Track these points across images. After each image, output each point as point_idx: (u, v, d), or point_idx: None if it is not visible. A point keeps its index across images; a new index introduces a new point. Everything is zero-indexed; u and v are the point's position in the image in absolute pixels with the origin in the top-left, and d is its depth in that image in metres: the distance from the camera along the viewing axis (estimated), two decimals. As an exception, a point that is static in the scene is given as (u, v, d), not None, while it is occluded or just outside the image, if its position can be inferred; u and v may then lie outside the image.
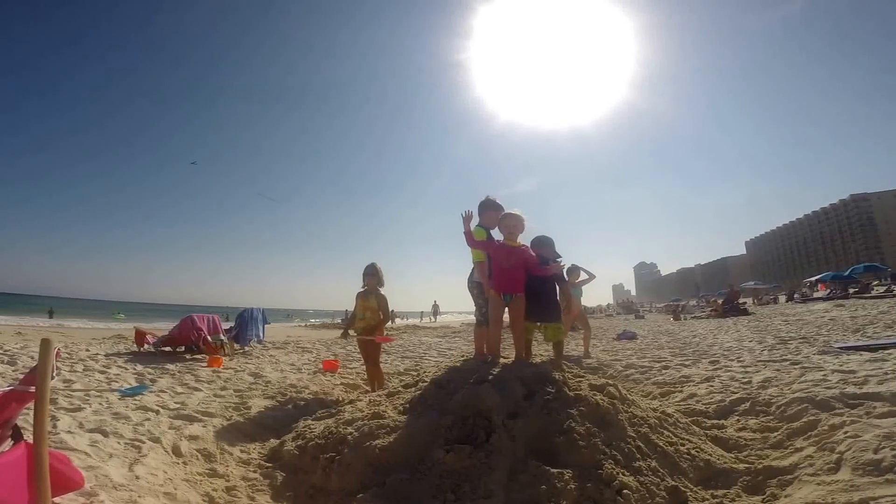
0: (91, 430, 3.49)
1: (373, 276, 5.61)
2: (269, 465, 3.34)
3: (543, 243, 4.68)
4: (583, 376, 3.63)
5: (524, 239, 4.43)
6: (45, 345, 1.88)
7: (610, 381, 3.69)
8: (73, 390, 4.91)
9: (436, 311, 37.05)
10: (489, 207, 4.61)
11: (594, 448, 2.77)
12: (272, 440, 3.77)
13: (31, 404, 2.00)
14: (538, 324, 4.46)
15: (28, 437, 2.17)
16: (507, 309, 4.15)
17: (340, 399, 5.15)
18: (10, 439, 2.16)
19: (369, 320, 5.57)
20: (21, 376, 5.53)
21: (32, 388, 1.88)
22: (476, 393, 3.10)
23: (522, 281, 4.10)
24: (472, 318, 5.36)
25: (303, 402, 4.86)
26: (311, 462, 3.15)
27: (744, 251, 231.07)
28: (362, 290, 5.71)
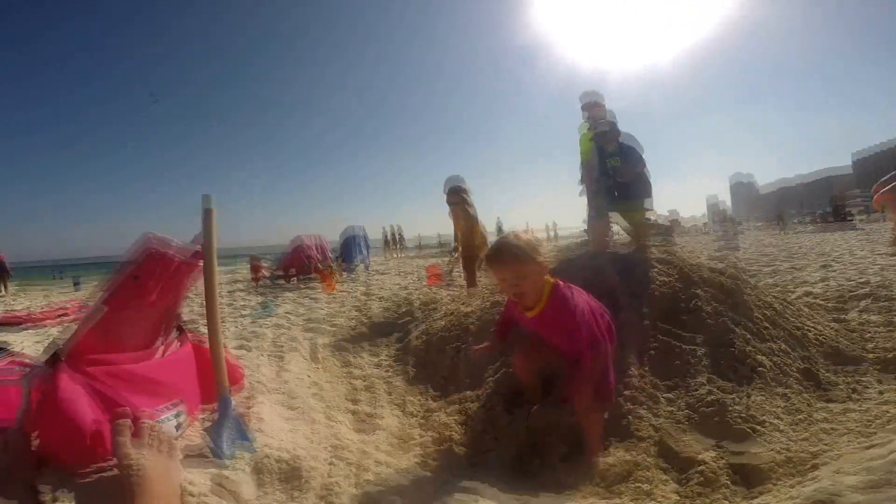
0: (235, 347, 3.82)
1: (455, 195, 5.34)
2: (399, 361, 3.54)
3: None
4: (699, 258, 3.54)
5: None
6: (208, 213, 1.84)
7: (732, 262, 3.60)
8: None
9: (500, 227, 36.61)
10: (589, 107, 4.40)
11: (723, 326, 2.74)
12: (396, 341, 3.99)
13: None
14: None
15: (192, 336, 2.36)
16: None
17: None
18: (175, 335, 2.29)
19: (472, 246, 5.38)
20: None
21: (202, 262, 1.89)
22: (600, 273, 3.10)
23: (588, 338, 2.04)
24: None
25: (416, 309, 5.11)
26: (437, 354, 3.35)
27: (849, 165, 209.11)
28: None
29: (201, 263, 1.86)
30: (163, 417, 1.70)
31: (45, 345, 3.76)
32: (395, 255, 23.42)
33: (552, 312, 2.09)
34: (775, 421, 2.16)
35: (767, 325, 2.91)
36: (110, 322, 1.73)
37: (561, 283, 2.15)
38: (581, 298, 2.16)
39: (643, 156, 4.10)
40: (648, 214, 4.18)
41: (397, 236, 27.31)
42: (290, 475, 1.57)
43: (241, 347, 3.85)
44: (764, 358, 2.56)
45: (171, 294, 1.89)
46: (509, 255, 2.07)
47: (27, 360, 2.22)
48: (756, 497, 1.75)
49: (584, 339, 2.02)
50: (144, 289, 1.74)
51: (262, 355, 3.59)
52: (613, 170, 4.14)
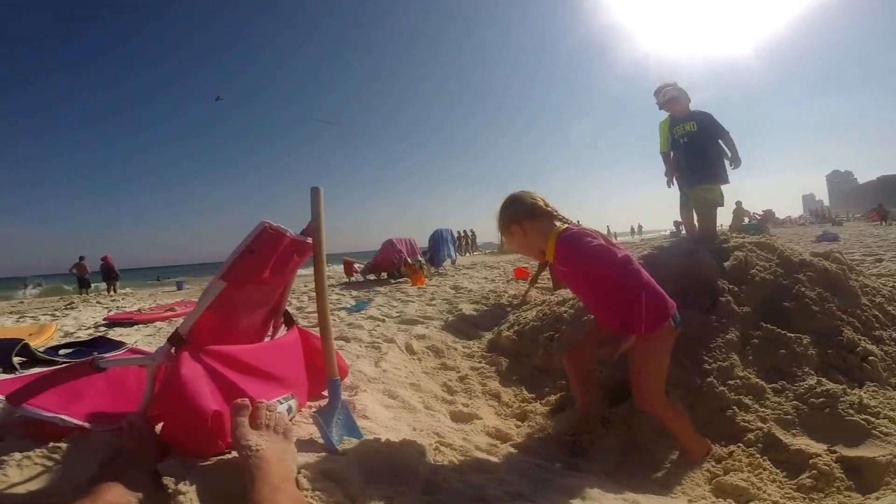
0: (335, 339, 4.01)
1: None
2: (491, 354, 3.56)
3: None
4: (797, 248, 3.35)
5: None
6: (316, 192, 1.91)
7: (834, 249, 3.38)
8: (308, 312, 5.71)
9: None
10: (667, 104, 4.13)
11: (829, 314, 2.58)
12: (487, 335, 4.03)
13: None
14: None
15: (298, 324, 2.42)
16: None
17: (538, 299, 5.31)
18: (283, 325, 2.32)
19: None
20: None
21: (310, 239, 1.92)
22: (696, 260, 2.99)
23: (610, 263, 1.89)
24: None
25: (506, 303, 5.14)
26: (529, 344, 3.35)
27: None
28: None
29: (310, 240, 1.93)
30: (274, 400, 1.74)
31: (158, 340, 4.08)
32: (468, 254, 26.00)
33: (562, 253, 1.95)
34: (890, 413, 2.03)
35: (876, 312, 2.72)
36: (228, 301, 1.79)
37: (570, 227, 1.99)
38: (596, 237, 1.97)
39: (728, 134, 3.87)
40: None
41: (469, 239, 28.89)
42: (397, 463, 1.62)
43: (339, 338, 4.02)
44: (874, 347, 2.41)
45: (282, 273, 1.96)
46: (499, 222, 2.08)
47: (145, 350, 2.35)
48: (872, 495, 1.66)
49: (605, 265, 1.87)
50: (259, 263, 1.80)
51: (361, 346, 3.75)
52: (687, 136, 3.92)
